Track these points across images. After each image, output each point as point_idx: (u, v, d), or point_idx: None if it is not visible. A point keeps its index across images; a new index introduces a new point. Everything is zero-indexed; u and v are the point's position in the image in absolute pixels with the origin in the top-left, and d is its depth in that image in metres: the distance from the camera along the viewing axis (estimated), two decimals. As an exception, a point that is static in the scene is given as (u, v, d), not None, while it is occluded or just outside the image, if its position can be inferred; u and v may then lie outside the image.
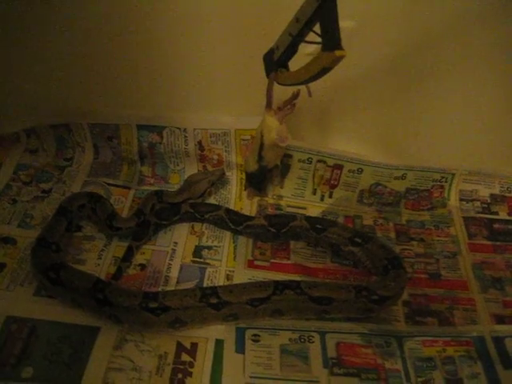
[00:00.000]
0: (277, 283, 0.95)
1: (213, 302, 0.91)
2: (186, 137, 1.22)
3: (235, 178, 1.26)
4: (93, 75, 1.14)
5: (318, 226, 1.11)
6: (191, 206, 1.15)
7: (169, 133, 1.21)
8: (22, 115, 1.21)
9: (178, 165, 1.26)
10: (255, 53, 1.03)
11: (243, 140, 1.23)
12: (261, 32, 1.04)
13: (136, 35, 1.07)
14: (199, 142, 1.23)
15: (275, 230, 1.11)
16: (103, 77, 1.14)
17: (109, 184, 1.22)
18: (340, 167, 1.22)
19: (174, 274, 1.05)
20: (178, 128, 1.21)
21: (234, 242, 1.13)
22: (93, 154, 1.26)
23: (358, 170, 1.22)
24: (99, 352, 0.89)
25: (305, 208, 1.22)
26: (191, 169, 1.25)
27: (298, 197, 1.24)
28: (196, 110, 1.20)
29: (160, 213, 1.14)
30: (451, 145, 1.21)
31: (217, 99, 1.18)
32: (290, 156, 1.22)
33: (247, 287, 0.96)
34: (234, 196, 1.23)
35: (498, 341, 0.97)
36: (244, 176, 1.23)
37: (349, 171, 1.22)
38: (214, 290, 0.93)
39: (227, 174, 1.25)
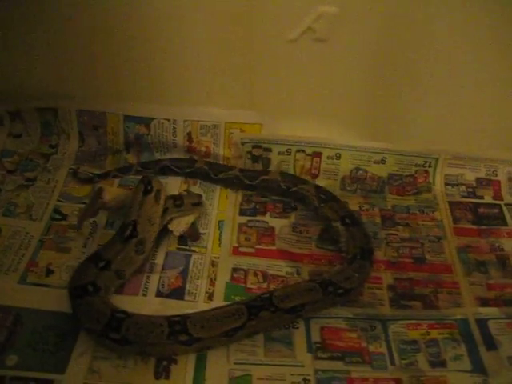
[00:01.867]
0: (249, 307, 0.91)
1: (183, 340, 0.86)
2: (174, 128, 1.22)
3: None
4: (83, 61, 1.14)
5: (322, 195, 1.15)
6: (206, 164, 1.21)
7: (157, 125, 1.21)
8: (7, 95, 1.21)
9: (164, 154, 1.25)
10: (245, 47, 1.07)
11: (231, 133, 1.23)
12: (251, 25, 1.05)
13: (127, 26, 1.07)
14: (188, 134, 1.23)
15: (285, 187, 1.18)
16: (94, 63, 1.14)
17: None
18: (318, 154, 1.23)
19: (160, 261, 1.05)
20: (167, 120, 1.21)
21: (219, 229, 1.13)
22: (78, 141, 1.25)
23: (336, 156, 1.23)
24: (84, 341, 0.89)
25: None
26: (178, 158, 1.26)
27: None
28: (185, 102, 1.20)
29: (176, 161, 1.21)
30: (434, 129, 1.21)
31: (207, 92, 1.19)
32: (270, 150, 1.23)
33: (219, 318, 0.89)
34: (219, 191, 1.22)
35: (482, 323, 0.97)
36: None
37: (327, 157, 1.23)
38: (183, 326, 0.86)
39: None
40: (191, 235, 1.09)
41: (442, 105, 1.17)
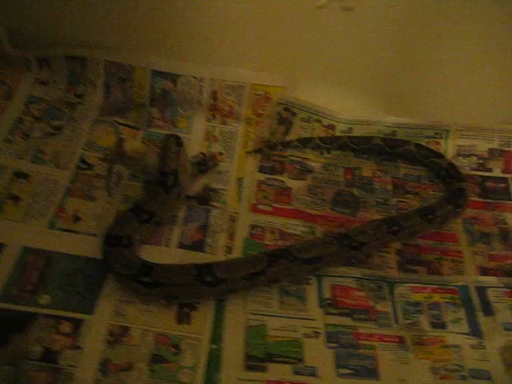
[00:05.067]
0: (269, 255, 0.97)
1: (208, 280, 0.91)
2: (201, 86, 1.24)
3: (241, 131, 1.28)
4: (115, 11, 1.16)
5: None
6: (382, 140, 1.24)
7: (184, 81, 1.23)
8: (37, 40, 1.23)
9: (187, 111, 1.27)
10: (274, 11, 1.09)
11: (256, 95, 1.26)
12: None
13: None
14: (214, 92, 1.25)
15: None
16: (125, 15, 1.17)
17: (119, 123, 1.24)
18: (332, 127, 1.28)
19: (181, 214, 1.08)
20: (194, 77, 1.23)
21: (238, 186, 1.16)
22: (103, 93, 1.25)
23: (348, 130, 1.28)
24: (111, 285, 0.94)
25: (308, 159, 1.25)
26: (200, 116, 1.27)
27: (299, 151, 1.27)
28: (214, 61, 1.23)
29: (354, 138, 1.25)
30: (447, 102, 1.25)
31: (235, 53, 1.22)
32: (295, 114, 1.27)
33: (242, 263, 0.98)
34: (239, 148, 1.25)
35: (481, 291, 1.03)
36: (250, 129, 1.28)
37: (341, 131, 1.28)
38: (209, 269, 0.92)
39: (235, 125, 1.28)
40: (203, 196, 1.12)
41: (458, 78, 1.21)
